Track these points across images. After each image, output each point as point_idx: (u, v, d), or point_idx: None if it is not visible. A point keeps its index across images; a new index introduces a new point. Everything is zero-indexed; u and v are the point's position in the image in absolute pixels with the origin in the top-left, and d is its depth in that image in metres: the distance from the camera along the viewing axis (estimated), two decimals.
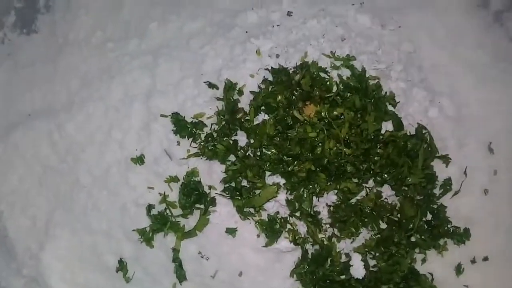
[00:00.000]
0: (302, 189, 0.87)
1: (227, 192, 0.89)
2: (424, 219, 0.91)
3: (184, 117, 0.93)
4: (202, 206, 0.91)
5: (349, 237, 0.89)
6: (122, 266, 0.93)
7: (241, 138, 0.90)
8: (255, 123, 0.89)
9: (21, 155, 0.99)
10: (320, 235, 0.89)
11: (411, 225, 0.89)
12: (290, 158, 0.87)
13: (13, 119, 1.01)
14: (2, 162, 1.00)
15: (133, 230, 0.92)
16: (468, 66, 0.97)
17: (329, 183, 0.87)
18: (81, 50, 1.01)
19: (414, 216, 0.89)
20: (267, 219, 0.89)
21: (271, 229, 0.88)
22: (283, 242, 0.89)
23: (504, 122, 0.95)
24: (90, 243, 0.95)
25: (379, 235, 0.90)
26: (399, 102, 0.92)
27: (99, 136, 0.96)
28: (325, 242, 0.89)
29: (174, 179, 0.92)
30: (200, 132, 0.92)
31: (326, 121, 0.87)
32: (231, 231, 0.90)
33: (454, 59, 0.97)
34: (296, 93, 0.88)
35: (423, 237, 0.91)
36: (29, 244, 0.97)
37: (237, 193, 0.88)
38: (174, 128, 0.92)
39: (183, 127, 0.92)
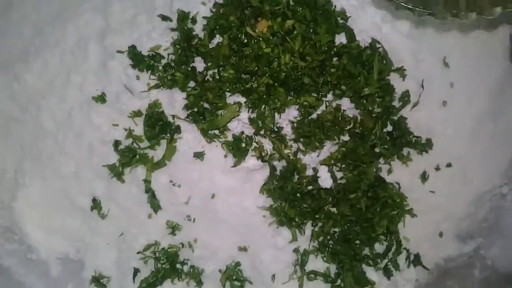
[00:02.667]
0: (263, 106, 0.90)
1: (190, 118, 0.91)
2: (385, 130, 0.95)
3: (141, 51, 0.93)
4: (168, 136, 0.92)
5: (314, 150, 0.92)
6: (96, 204, 0.95)
7: (199, 64, 0.92)
8: (210, 47, 0.91)
9: None
10: (286, 151, 0.92)
11: (372, 137, 0.93)
12: (248, 76, 0.88)
13: None
14: None
15: (103, 166, 0.93)
16: None
17: (288, 98, 0.90)
18: None
19: (374, 127, 0.92)
20: (232, 139, 0.91)
21: (238, 148, 0.90)
22: (251, 161, 0.92)
23: (457, 37, 0.98)
24: (61, 187, 0.95)
25: (343, 148, 0.93)
26: (350, 16, 0.94)
27: (58, 81, 0.96)
28: (291, 157, 0.92)
29: (137, 113, 0.93)
30: (158, 64, 0.93)
31: (280, 35, 0.88)
32: (199, 155, 0.92)
33: None
34: (246, 11, 0.89)
35: (386, 147, 0.94)
36: (0, 195, 0.97)
37: (200, 117, 0.90)
38: (132, 63, 0.93)
39: (140, 60, 0.92)
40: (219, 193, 0.93)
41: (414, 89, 0.96)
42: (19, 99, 0.98)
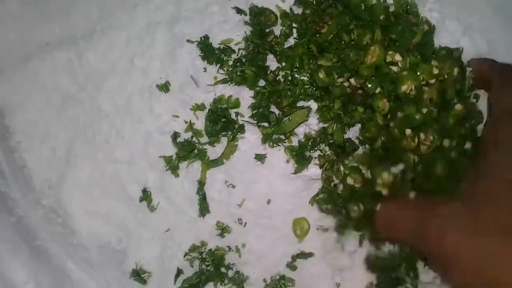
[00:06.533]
0: (334, 123, 0.85)
1: (254, 118, 0.87)
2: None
3: (212, 42, 0.90)
4: (230, 134, 0.88)
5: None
6: (146, 195, 0.91)
7: (271, 63, 0.88)
8: (285, 46, 0.87)
9: (40, 85, 0.96)
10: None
11: None
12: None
13: (30, 49, 0.97)
14: (20, 92, 0.96)
15: (160, 156, 0.90)
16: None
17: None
18: None
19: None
20: (298, 145, 0.87)
21: (302, 156, 0.86)
22: (313, 169, 0.87)
23: None
24: (112, 172, 0.92)
25: None
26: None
27: (122, 64, 0.93)
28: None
29: (200, 107, 0.89)
30: (228, 58, 0.89)
31: None
32: (260, 157, 0.88)
33: None
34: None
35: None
36: (49, 174, 0.94)
37: (265, 119, 0.86)
38: (202, 54, 0.89)
39: (211, 52, 0.89)
40: (275, 199, 0.89)
41: None
42: (79, 78, 0.95)
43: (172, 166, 0.89)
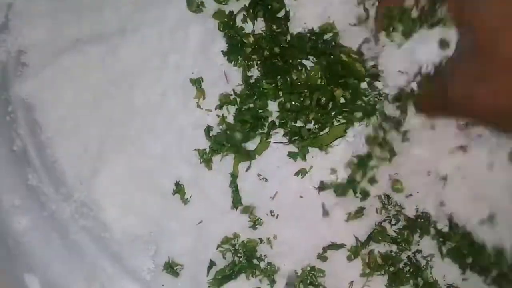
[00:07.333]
0: None
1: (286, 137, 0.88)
2: None
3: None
4: (262, 130, 0.90)
5: None
6: (179, 188, 0.92)
7: None
8: None
9: (71, 80, 0.96)
10: None
11: None
12: None
13: (61, 44, 0.97)
14: (51, 88, 0.97)
15: (194, 150, 0.91)
16: None
17: None
18: None
19: None
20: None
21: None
22: None
23: None
24: (146, 166, 0.93)
25: None
26: None
27: (155, 59, 0.94)
28: None
29: (232, 101, 0.91)
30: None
31: None
32: (293, 155, 0.90)
33: None
34: None
35: None
36: (81, 169, 0.95)
37: (296, 135, 0.87)
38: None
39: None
40: (308, 194, 0.91)
41: None
42: (111, 73, 0.96)
43: (206, 159, 0.91)
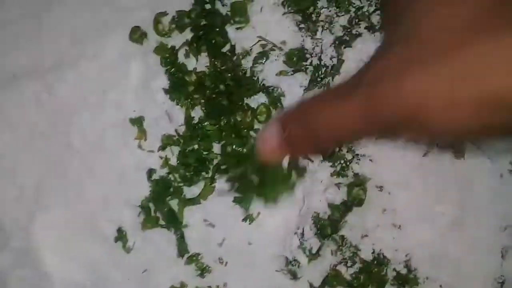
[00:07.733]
0: None
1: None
2: None
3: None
4: (206, 175, 0.84)
5: None
6: (121, 235, 0.87)
7: None
8: None
9: (6, 119, 0.90)
10: None
11: None
12: None
13: None
14: None
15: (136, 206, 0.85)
16: None
17: None
18: (71, 4, 0.92)
19: None
20: None
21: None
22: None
23: None
24: (85, 211, 0.87)
25: None
26: None
27: (93, 97, 0.88)
28: None
29: (175, 142, 0.85)
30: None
31: None
32: (239, 200, 0.84)
33: None
34: None
35: None
36: (18, 214, 0.89)
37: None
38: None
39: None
40: (257, 241, 0.85)
41: None
42: (48, 111, 0.90)
43: (146, 205, 0.85)
